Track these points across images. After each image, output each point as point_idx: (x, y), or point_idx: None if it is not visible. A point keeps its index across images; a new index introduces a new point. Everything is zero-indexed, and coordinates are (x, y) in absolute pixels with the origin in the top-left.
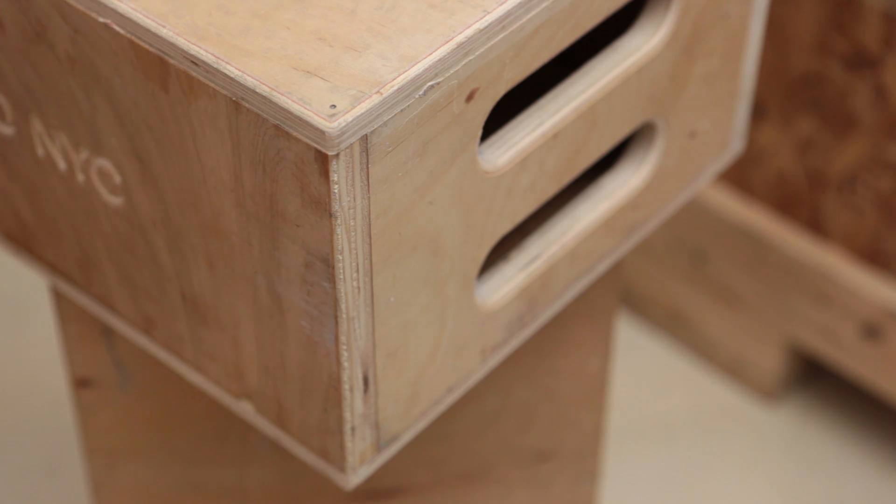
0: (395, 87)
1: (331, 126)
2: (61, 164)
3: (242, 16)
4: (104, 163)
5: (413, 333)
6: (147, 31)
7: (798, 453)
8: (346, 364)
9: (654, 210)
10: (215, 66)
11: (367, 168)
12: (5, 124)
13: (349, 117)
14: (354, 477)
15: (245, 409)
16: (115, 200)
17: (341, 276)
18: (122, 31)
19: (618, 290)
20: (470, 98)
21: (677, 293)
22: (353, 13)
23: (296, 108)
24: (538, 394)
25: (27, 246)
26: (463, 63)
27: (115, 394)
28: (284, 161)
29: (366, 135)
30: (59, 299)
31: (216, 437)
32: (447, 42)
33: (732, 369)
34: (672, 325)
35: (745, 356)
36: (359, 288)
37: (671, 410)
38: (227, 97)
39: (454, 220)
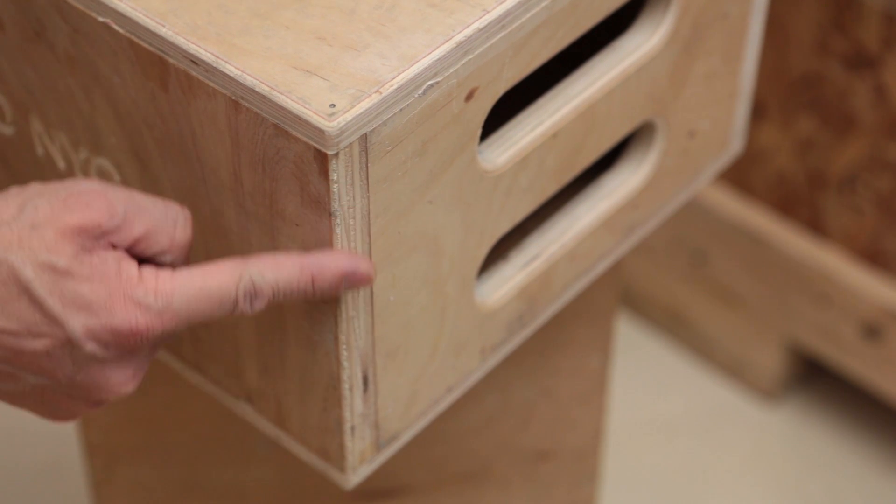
0: (395, 87)
1: (330, 125)
2: (61, 164)
3: (242, 15)
4: (104, 162)
5: (413, 333)
6: (146, 30)
7: (798, 453)
8: (345, 363)
9: (653, 210)
10: (215, 65)
11: (367, 167)
12: (5, 124)
13: (348, 116)
14: (354, 476)
15: (245, 409)
16: None
17: None
18: (121, 31)
19: (617, 290)
20: (469, 97)
21: (677, 293)
22: (353, 12)
23: (295, 107)
24: (538, 393)
25: None
26: (462, 62)
27: None
28: (284, 160)
29: (365, 134)
30: None
31: (216, 437)
32: (447, 41)
33: (732, 369)
34: (672, 325)
35: (745, 356)
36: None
37: (671, 410)
38: (227, 96)
39: (454, 219)
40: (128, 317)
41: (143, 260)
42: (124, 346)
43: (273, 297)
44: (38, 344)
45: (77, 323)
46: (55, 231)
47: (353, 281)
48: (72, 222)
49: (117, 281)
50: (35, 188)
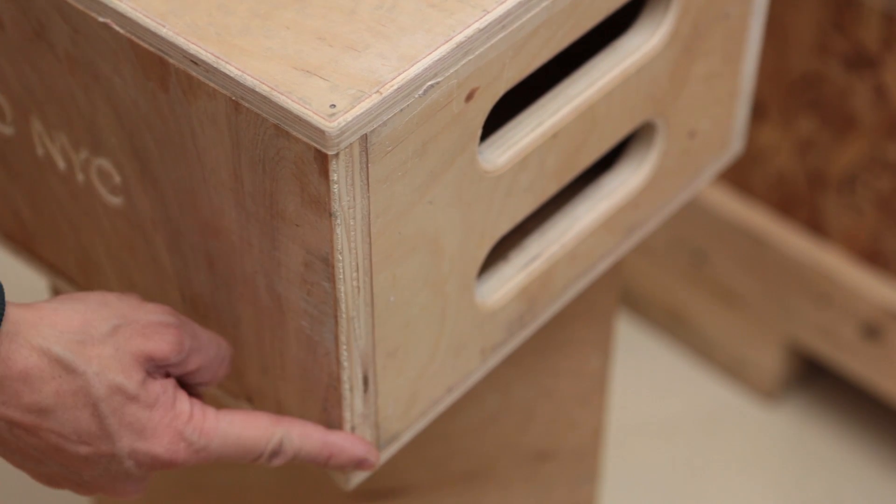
0: (395, 87)
1: (330, 126)
2: (61, 164)
3: (242, 15)
4: (104, 163)
5: (413, 333)
6: (147, 30)
7: (798, 453)
8: (345, 364)
9: (653, 210)
10: (215, 65)
11: (367, 167)
12: (5, 124)
13: (349, 117)
14: (354, 477)
15: (245, 409)
16: (115, 200)
17: (341, 276)
18: (121, 31)
19: (618, 290)
20: (469, 98)
21: (677, 293)
22: (353, 13)
23: (295, 107)
24: (538, 393)
25: (27, 246)
26: (463, 63)
27: None
28: (284, 160)
29: (365, 134)
30: None
31: None
32: (447, 42)
33: (732, 369)
34: (672, 325)
35: (745, 356)
36: (358, 287)
37: (671, 410)
38: (227, 97)
39: (454, 219)
40: (172, 448)
41: (182, 384)
42: (157, 469)
43: (293, 458)
44: (83, 450)
45: (126, 443)
46: (131, 355)
47: (361, 466)
48: (146, 350)
49: (172, 413)
50: (119, 308)
